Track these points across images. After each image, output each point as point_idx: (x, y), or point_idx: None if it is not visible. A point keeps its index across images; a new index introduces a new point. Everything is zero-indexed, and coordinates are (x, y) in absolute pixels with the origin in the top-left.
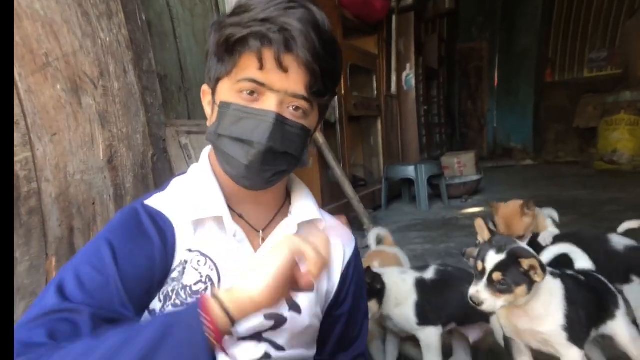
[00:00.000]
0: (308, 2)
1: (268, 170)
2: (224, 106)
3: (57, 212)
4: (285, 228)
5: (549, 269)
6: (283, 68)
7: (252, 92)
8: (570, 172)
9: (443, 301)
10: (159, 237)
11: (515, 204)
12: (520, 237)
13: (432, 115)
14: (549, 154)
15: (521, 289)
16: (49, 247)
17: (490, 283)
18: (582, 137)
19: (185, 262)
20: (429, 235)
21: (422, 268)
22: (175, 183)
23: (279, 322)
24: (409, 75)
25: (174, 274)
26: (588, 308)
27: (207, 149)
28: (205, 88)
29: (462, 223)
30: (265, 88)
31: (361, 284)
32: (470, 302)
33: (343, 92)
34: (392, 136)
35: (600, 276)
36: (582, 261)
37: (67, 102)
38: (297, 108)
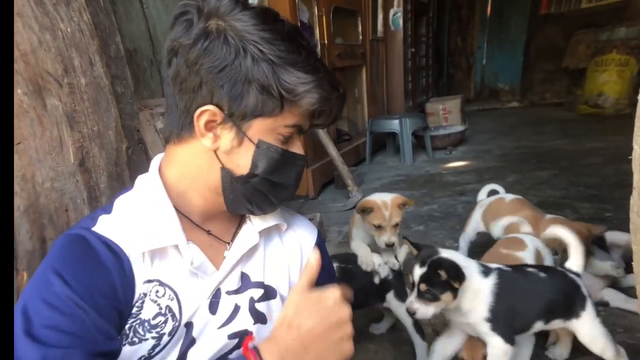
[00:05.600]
0: None
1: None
2: (264, 146)
3: (27, 224)
4: (246, 237)
5: (480, 267)
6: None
7: (288, 136)
8: (554, 117)
9: None
10: (117, 267)
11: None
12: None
13: (420, 58)
14: (535, 95)
15: (447, 296)
16: (19, 262)
17: (420, 294)
18: (570, 78)
19: (144, 294)
20: (411, 195)
21: None
22: (121, 204)
23: (243, 338)
24: (397, 13)
25: (133, 310)
26: (534, 303)
27: (157, 160)
28: (215, 110)
29: (445, 180)
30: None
31: (329, 277)
32: (408, 312)
33: (326, 41)
34: (377, 85)
35: (576, 278)
36: (573, 261)
37: (30, 106)
38: None
